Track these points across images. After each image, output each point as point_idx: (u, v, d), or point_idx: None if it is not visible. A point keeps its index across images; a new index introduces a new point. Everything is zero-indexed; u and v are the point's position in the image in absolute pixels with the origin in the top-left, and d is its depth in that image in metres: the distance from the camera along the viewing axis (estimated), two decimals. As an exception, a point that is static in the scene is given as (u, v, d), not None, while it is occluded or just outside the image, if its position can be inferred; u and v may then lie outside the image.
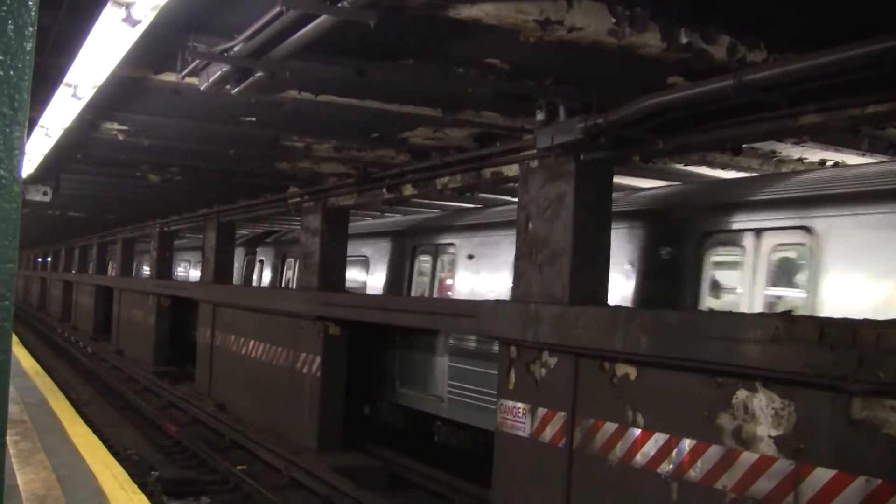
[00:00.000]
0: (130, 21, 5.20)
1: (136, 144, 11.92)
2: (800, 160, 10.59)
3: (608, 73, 7.47)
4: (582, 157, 8.99)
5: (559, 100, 8.24)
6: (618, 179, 12.08)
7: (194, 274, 28.82)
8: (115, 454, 14.13)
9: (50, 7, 6.40)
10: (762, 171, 10.66)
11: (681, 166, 11.03)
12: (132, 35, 5.62)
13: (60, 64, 7.09)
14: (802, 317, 6.57)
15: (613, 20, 5.87)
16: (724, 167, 10.66)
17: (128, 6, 5.01)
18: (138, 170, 15.04)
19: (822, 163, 10.78)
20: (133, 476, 12.74)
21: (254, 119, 10.26)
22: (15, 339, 25.65)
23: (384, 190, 13.35)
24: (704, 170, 11.13)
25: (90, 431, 11.28)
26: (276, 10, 5.59)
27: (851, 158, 10.40)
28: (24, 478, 8.45)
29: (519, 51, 6.69)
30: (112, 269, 35.55)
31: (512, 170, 10.28)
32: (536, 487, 9.20)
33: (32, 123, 9.51)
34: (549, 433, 9.06)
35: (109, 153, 13.15)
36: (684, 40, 6.09)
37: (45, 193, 14.68)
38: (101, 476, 8.75)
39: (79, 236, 39.58)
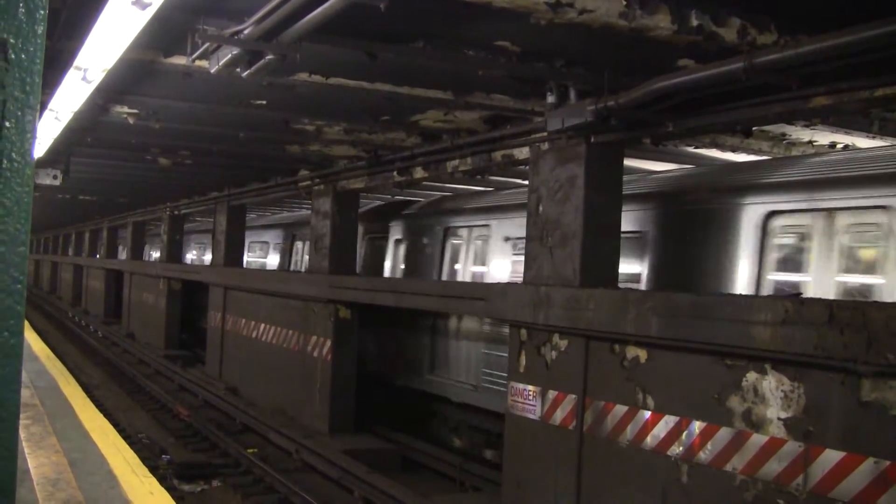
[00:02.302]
0: (140, 4, 5.20)
1: (146, 128, 11.93)
2: (810, 143, 10.57)
3: (619, 56, 7.44)
4: (593, 139, 8.99)
5: (570, 82, 8.22)
6: (630, 162, 12.15)
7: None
8: (126, 438, 14.23)
9: (59, -10, 6.43)
10: (773, 153, 10.63)
11: (691, 149, 11.01)
12: (142, 18, 5.63)
13: (70, 47, 7.09)
14: (812, 299, 6.58)
15: (624, 2, 5.86)
16: (734, 150, 10.64)
17: (139, -11, 5.02)
18: (149, 153, 15.06)
19: (833, 145, 10.75)
20: (144, 460, 12.78)
21: (264, 102, 10.25)
22: (26, 323, 25.73)
23: (395, 173, 13.35)
24: (715, 152, 11.11)
25: (101, 415, 11.30)
26: (288, -9, 5.60)
27: (862, 141, 10.38)
28: (36, 461, 8.48)
29: (530, 33, 6.67)
30: (123, 253, 35.63)
31: (523, 152, 10.28)
32: (547, 470, 9.23)
33: (42, 107, 9.51)
34: (559, 415, 9.08)
35: (120, 136, 13.17)
36: (695, 23, 6.07)
37: (55, 177, 14.71)
38: (112, 460, 8.78)
39: (90, 220, 39.67)
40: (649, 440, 7.92)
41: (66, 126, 10.58)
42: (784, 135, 10.29)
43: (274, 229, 24.38)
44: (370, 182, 14.26)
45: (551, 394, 9.22)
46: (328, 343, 14.97)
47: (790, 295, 6.91)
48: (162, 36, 7.33)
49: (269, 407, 16.77)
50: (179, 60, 7.88)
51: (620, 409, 8.28)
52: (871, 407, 6.02)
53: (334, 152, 13.76)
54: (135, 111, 11.10)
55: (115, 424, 15.19)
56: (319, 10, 5.69)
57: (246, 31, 6.46)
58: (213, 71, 7.20)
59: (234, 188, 20.26)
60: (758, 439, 6.86)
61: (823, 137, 10.42)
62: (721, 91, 7.23)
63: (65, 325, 36.15)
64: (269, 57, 6.72)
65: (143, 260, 32.73)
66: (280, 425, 15.22)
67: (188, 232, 29.23)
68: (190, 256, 32.14)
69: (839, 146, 10.79)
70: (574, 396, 8.87)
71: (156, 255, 33.57)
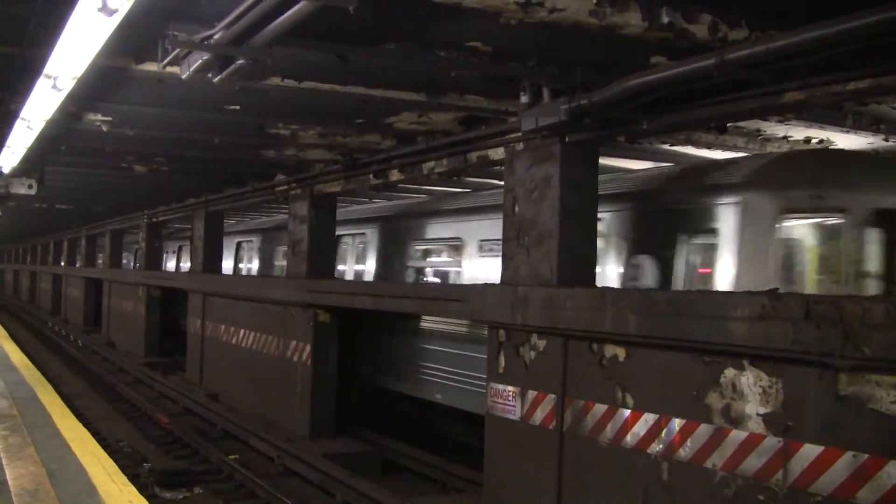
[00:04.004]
0: (107, 10, 5.16)
1: (120, 135, 11.85)
2: (785, 138, 10.60)
3: (591, 54, 7.44)
4: (567, 138, 8.98)
5: (543, 81, 8.22)
6: (607, 161, 12.17)
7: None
8: (107, 447, 14.14)
9: (24, -1, 6.38)
10: (748, 149, 10.66)
11: (667, 146, 11.02)
12: (109, 24, 5.58)
13: (41, 55, 7.04)
14: (788, 294, 6.57)
15: (594, 1, 5.85)
16: (709, 146, 10.66)
17: (104, -5, 4.97)
18: (124, 160, 14.96)
19: (808, 140, 10.79)
20: (125, 468, 12.75)
21: (238, 107, 10.21)
22: (4, 333, 25.64)
23: (371, 176, 13.32)
24: (690, 149, 11.13)
25: (80, 425, 11.23)
26: (256, -5, 5.56)
27: (836, 136, 10.41)
28: (14, 472, 8.42)
29: (501, 33, 6.66)
30: (101, 261, 35.45)
31: (498, 153, 10.27)
32: (528, 470, 9.21)
33: (14, 115, 9.45)
34: (539, 415, 9.07)
35: (94, 144, 13.08)
36: (665, 20, 6.08)
37: (30, 186, 14.63)
38: (91, 469, 8.72)
39: (67, 229, 39.44)
40: (629, 439, 7.91)
41: (38, 135, 10.50)
42: (759, 130, 10.31)
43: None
44: (347, 185, 14.22)
45: (531, 394, 9.21)
46: (308, 347, 14.92)
47: (768, 290, 6.89)
48: (133, 42, 7.28)
49: (250, 412, 16.70)
50: (151, 67, 7.83)
51: (600, 409, 8.27)
52: (848, 401, 6.04)
53: (310, 156, 13.72)
54: (108, 118, 11.04)
55: (96, 433, 15.09)
56: (289, 13, 5.65)
57: (216, 36, 6.41)
58: (184, 77, 7.14)
59: (211, 194, 20.16)
60: (737, 435, 6.87)
61: (798, 133, 10.46)
62: (695, 88, 7.23)
63: (44, 334, 35.92)
64: (240, 61, 6.67)
65: (121, 268, 32.56)
66: (261, 430, 15.16)
67: (175, 239, 29.17)
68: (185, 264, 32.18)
69: (814, 141, 10.84)
70: (553, 396, 8.86)
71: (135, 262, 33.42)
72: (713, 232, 9.19)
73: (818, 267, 9.46)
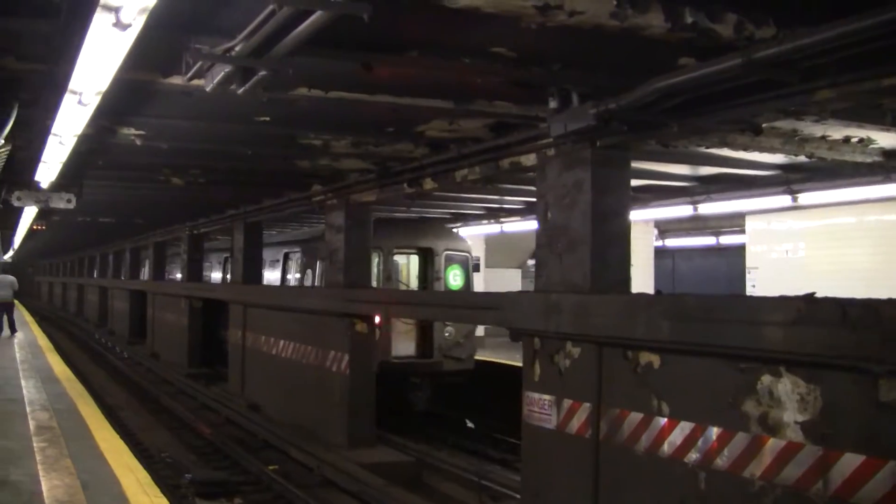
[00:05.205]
0: (121, 25, 5.13)
1: (154, 148, 11.90)
2: (823, 138, 10.38)
3: (617, 57, 7.31)
4: (598, 143, 8.87)
5: (570, 86, 8.11)
6: (640, 165, 12.04)
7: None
8: (148, 457, 14.29)
9: (49, 15, 6.38)
10: (784, 150, 10.45)
11: (703, 149, 10.84)
12: (125, 39, 5.55)
13: (66, 71, 7.04)
14: (824, 298, 6.40)
15: (615, 2, 5.74)
16: (745, 148, 10.45)
17: (116, 10, 4.93)
18: (160, 173, 15.03)
19: (847, 139, 10.57)
20: (166, 478, 12.88)
21: (268, 118, 10.19)
22: (49, 345, 25.92)
23: (405, 184, 13.27)
24: (727, 151, 10.95)
25: (117, 436, 11.31)
26: (271, 7, 5.51)
27: (876, 134, 10.19)
28: (49, 484, 8.49)
29: (524, 38, 6.57)
30: (145, 274, 35.75)
31: (529, 159, 10.17)
32: (564, 479, 9.10)
33: (47, 132, 9.50)
34: (575, 424, 8.95)
35: (129, 158, 13.15)
36: (689, 20, 5.93)
37: (68, 201, 14.74)
38: (124, 480, 8.77)
39: (111, 242, 39.86)
40: (665, 447, 7.77)
41: (73, 150, 10.55)
42: (795, 131, 10.10)
43: None
44: (381, 194, 14.19)
45: (566, 402, 9.09)
46: (346, 357, 14.89)
47: (803, 295, 6.73)
48: (157, 56, 7.27)
49: (289, 422, 16.71)
50: (177, 80, 7.81)
51: (636, 417, 8.13)
52: (889, 408, 5.86)
53: (344, 166, 13.68)
54: (141, 132, 11.08)
55: (138, 444, 15.25)
56: (305, 23, 5.60)
57: (237, 48, 6.37)
58: (208, 89, 7.12)
59: (250, 205, 20.23)
60: (775, 444, 6.70)
61: (836, 132, 10.23)
62: (725, 88, 7.09)
63: (90, 346, 36.25)
64: (262, 73, 6.64)
65: (164, 280, 32.81)
66: (300, 440, 15.16)
67: (219, 251, 29.42)
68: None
69: (854, 140, 10.61)
70: (589, 405, 8.73)
71: (178, 274, 33.72)
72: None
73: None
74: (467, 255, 20.35)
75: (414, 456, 15.20)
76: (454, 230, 21.89)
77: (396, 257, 20.15)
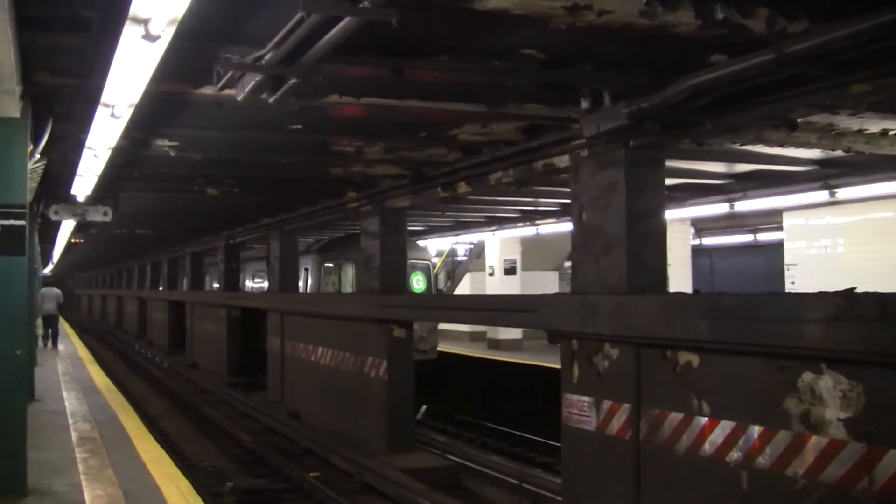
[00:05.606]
0: (150, 37, 5.16)
1: (188, 159, 11.98)
2: (860, 132, 10.25)
3: (648, 56, 7.26)
4: (631, 143, 8.83)
5: (602, 86, 8.07)
6: (677, 164, 11.97)
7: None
8: (189, 466, 14.37)
9: (81, 29, 6.44)
10: (820, 145, 10.34)
11: (738, 146, 10.75)
12: (155, 51, 5.59)
13: (99, 85, 7.10)
14: (864, 294, 6.31)
15: (644, 1, 5.70)
16: (781, 144, 10.35)
17: (145, 23, 4.97)
18: (195, 184, 15.11)
19: (885, 132, 10.44)
20: (207, 487, 12.95)
21: (300, 126, 10.22)
22: (90, 357, 26.18)
23: (439, 189, 13.26)
24: (762, 148, 10.85)
25: (158, 446, 11.40)
26: (299, 15, 5.52)
27: (916, 126, 10.05)
28: (92, 494, 8.58)
29: (554, 39, 6.54)
30: (183, 284, 35.99)
31: (563, 160, 10.12)
32: (605, 481, 9.04)
33: (81, 145, 9.59)
34: (615, 425, 8.89)
35: (164, 169, 13.24)
36: (720, 16, 5.87)
37: (105, 214, 14.88)
38: (165, 489, 8.84)
39: (148, 253, 40.16)
40: (707, 447, 7.70)
41: (108, 162, 10.64)
42: (831, 125, 9.99)
43: None
44: (415, 199, 14.19)
45: (605, 404, 9.03)
46: (384, 363, 14.89)
47: (842, 290, 6.65)
48: (187, 67, 7.32)
49: (329, 429, 16.74)
50: (208, 91, 7.86)
51: (675, 417, 8.07)
52: (933, 404, 5.78)
53: (377, 171, 13.68)
54: (175, 143, 11.15)
55: (179, 453, 15.34)
56: (334, 30, 5.60)
57: (267, 57, 6.40)
58: (239, 99, 7.16)
59: (285, 214, 20.31)
60: (818, 442, 6.62)
61: (873, 125, 10.10)
62: (760, 84, 7.03)
63: (130, 357, 36.54)
64: (293, 81, 6.66)
65: (201, 290, 33.03)
66: (340, 447, 15.18)
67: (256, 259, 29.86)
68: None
69: (892, 133, 10.48)
70: (628, 406, 8.67)
71: (215, 284, 34.03)
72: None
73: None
74: (428, 262, 24.25)
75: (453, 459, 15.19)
76: (417, 241, 24.84)
77: None
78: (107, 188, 13.87)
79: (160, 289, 39.10)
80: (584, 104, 8.35)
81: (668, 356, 8.14)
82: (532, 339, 24.46)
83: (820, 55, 5.94)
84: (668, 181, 10.82)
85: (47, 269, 50.46)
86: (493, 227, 23.70)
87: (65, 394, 16.42)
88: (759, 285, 22.85)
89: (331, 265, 23.88)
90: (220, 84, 7.13)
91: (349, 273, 23.58)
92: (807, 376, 6.66)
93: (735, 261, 27.16)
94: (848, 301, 6.23)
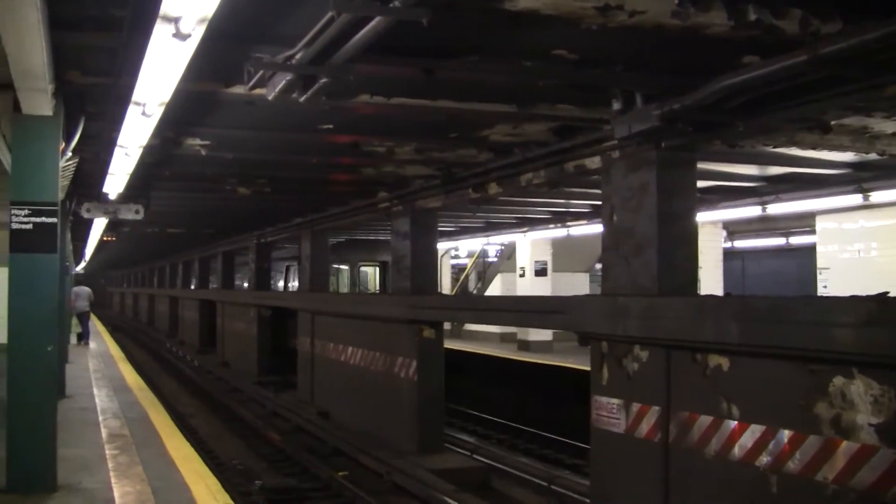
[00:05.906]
0: (180, 36, 5.19)
1: (220, 158, 12.03)
2: (894, 135, 10.15)
3: (680, 56, 7.22)
4: (663, 144, 8.78)
5: (634, 87, 8.03)
6: (709, 166, 11.90)
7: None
8: (219, 464, 14.45)
9: (112, 28, 6.49)
10: (854, 148, 10.26)
11: (770, 148, 10.68)
12: (186, 50, 5.62)
13: (130, 84, 7.15)
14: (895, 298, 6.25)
15: (676, 1, 5.66)
16: (814, 147, 10.28)
17: (175, 21, 4.99)
18: (227, 183, 15.19)
19: (920, 135, 10.33)
20: (236, 485, 13.00)
21: (331, 126, 10.24)
22: (121, 355, 26.37)
23: (470, 190, 13.25)
24: (795, 150, 10.77)
25: (187, 444, 11.46)
26: (329, 14, 5.53)
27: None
28: (121, 490, 8.63)
29: (585, 40, 6.51)
30: (214, 283, 36.16)
31: (594, 162, 10.08)
32: (634, 483, 9.00)
33: (113, 143, 9.66)
34: (644, 428, 8.85)
35: (196, 168, 13.30)
36: (752, 17, 5.83)
37: (136, 212, 14.96)
38: (194, 487, 8.88)
39: (180, 252, 40.40)
40: (736, 451, 7.65)
41: (139, 161, 10.71)
42: (866, 128, 9.90)
43: None
44: (446, 200, 14.18)
45: (635, 406, 9.00)
46: (413, 363, 14.90)
47: (875, 294, 6.58)
48: (219, 66, 7.36)
49: (359, 429, 16.76)
50: (239, 90, 7.90)
51: (705, 420, 8.02)
52: (966, 410, 5.71)
53: (408, 172, 13.70)
54: (206, 142, 11.20)
55: (209, 452, 15.42)
56: (365, 30, 5.61)
57: (297, 56, 6.41)
58: (270, 98, 7.18)
59: (316, 213, 20.36)
60: (848, 447, 6.56)
61: (909, 128, 10.01)
62: (792, 86, 6.97)
63: (162, 356, 36.78)
64: (323, 80, 6.67)
65: (232, 289, 33.18)
66: (370, 447, 15.20)
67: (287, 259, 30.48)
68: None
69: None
70: (657, 408, 8.63)
71: (245, 283, 34.30)
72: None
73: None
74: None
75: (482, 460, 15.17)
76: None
77: (362, 269, 27.84)
78: (138, 186, 13.95)
79: (191, 287, 39.30)
80: (616, 105, 8.31)
81: (697, 359, 8.09)
82: (562, 342, 24.39)
83: (854, 56, 5.88)
84: (700, 183, 10.77)
85: (79, 267, 50.86)
86: (524, 229, 23.68)
87: (95, 391, 16.54)
88: (791, 289, 22.70)
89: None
90: (251, 83, 7.14)
91: (345, 276, 25.76)
92: (838, 381, 6.60)
93: (767, 264, 26.98)
94: (880, 305, 6.17)
